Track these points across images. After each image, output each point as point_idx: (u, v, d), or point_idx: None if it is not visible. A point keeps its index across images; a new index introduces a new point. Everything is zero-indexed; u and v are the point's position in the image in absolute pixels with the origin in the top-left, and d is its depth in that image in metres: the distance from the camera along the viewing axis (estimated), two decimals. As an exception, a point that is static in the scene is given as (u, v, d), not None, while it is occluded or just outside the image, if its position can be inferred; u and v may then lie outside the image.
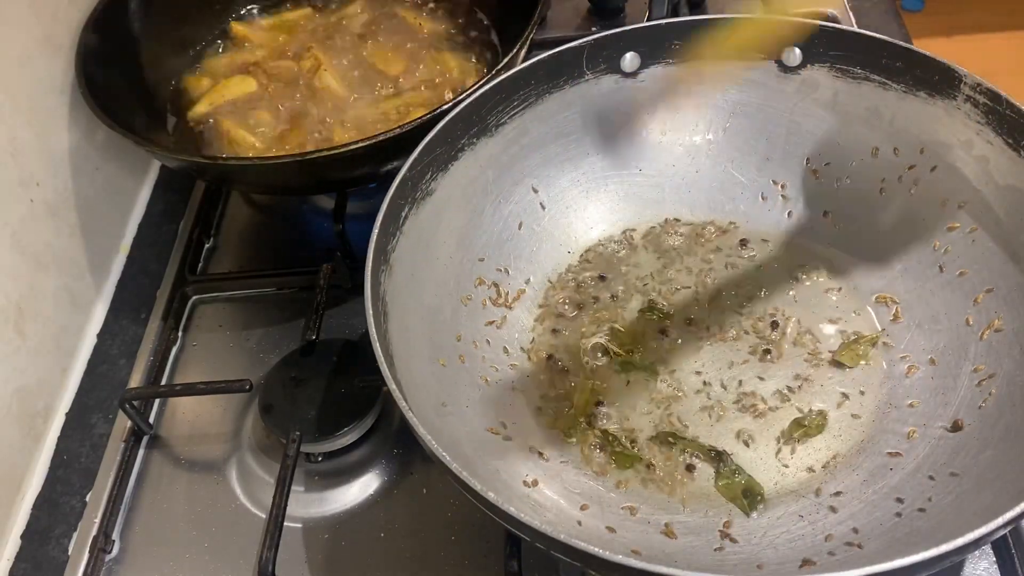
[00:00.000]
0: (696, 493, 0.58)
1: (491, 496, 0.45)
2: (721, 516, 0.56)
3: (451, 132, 0.64)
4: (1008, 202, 0.60)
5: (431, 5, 0.91)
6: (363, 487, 0.65)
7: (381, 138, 0.65)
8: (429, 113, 0.65)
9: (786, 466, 0.59)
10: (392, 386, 0.50)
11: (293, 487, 0.63)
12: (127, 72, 0.83)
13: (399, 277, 0.59)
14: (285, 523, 0.61)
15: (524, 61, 0.69)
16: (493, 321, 0.66)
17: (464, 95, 0.65)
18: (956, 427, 0.56)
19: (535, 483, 0.57)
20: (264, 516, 0.63)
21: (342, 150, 0.66)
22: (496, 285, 0.68)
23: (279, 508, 0.61)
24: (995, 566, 0.57)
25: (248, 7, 0.93)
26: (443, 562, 0.61)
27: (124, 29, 0.83)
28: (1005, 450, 0.52)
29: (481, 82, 0.66)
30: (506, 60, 0.70)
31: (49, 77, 0.75)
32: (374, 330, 0.53)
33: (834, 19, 0.91)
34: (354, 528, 0.63)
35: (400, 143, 0.64)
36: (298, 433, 0.64)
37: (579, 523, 0.55)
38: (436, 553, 0.61)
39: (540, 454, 0.60)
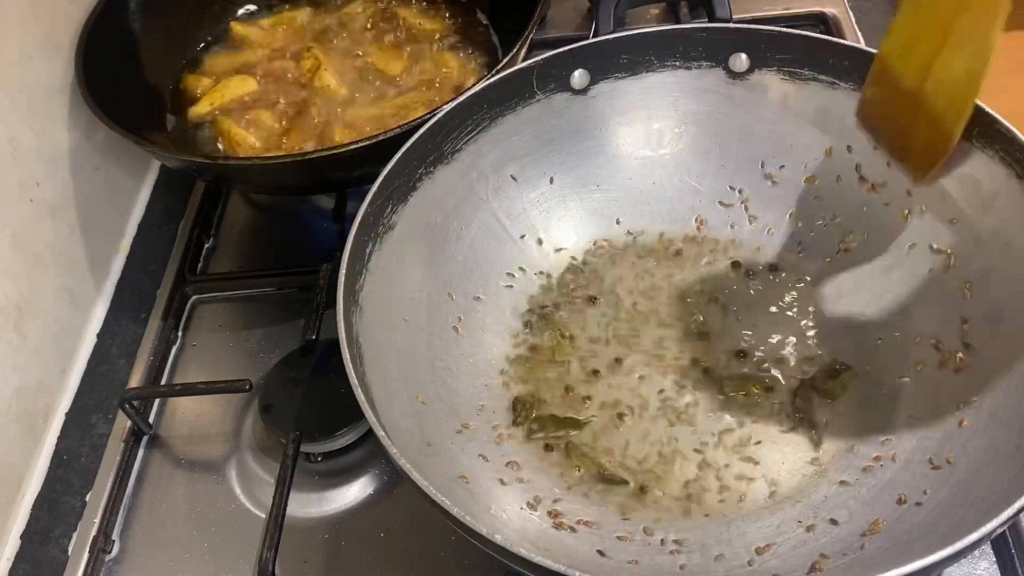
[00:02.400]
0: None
1: (498, 539, 0.44)
2: (720, 528, 0.56)
3: (408, 163, 0.63)
4: (962, 189, 0.60)
5: (431, 5, 0.91)
6: (363, 487, 0.65)
7: (381, 138, 0.65)
8: (429, 113, 0.65)
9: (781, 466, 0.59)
10: (380, 433, 0.49)
11: (293, 487, 0.63)
12: (127, 72, 0.83)
13: (370, 317, 0.57)
14: (285, 523, 0.61)
15: (523, 61, 0.69)
16: (466, 351, 0.65)
17: (427, 115, 0.65)
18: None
19: (529, 506, 0.57)
20: (264, 516, 0.63)
21: (342, 150, 0.66)
22: (465, 314, 0.66)
23: (279, 508, 0.61)
24: (995, 566, 0.57)
25: (248, 7, 0.93)
26: (443, 562, 0.61)
27: (124, 29, 0.83)
28: (1000, 436, 0.52)
29: (464, 91, 0.66)
30: (506, 60, 0.70)
31: (49, 77, 0.75)
32: (354, 376, 0.51)
33: (834, 19, 0.91)
34: (354, 528, 0.63)
35: (400, 143, 0.64)
36: (298, 433, 0.64)
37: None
38: (436, 553, 0.61)
39: (528, 482, 0.59)
